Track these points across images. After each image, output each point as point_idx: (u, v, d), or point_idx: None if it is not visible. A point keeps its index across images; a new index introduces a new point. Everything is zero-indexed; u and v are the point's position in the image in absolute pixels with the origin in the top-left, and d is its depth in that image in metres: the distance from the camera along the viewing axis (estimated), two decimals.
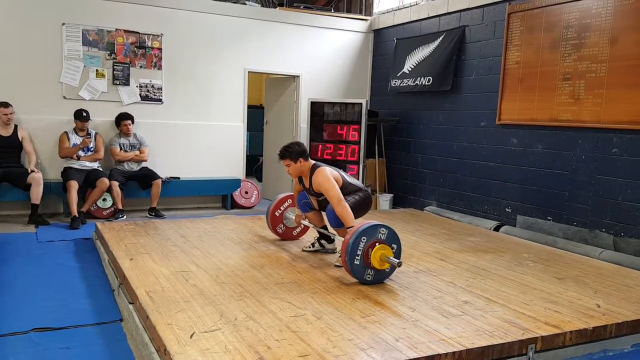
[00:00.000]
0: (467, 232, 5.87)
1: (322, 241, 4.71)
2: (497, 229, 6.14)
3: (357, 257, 3.73)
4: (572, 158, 5.60)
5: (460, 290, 3.77)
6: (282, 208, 5.00)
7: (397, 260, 3.76)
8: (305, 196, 4.64)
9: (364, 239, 3.74)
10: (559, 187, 5.72)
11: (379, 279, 3.86)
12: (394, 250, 3.84)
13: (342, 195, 4.16)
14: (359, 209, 4.35)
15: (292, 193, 5.00)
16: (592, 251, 5.11)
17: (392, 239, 3.87)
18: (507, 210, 6.30)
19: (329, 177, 4.23)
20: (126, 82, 7.07)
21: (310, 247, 4.72)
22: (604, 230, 5.30)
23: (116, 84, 7.02)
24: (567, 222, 5.63)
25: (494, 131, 6.47)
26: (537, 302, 3.56)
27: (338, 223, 4.21)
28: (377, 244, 3.76)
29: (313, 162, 4.42)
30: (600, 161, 5.34)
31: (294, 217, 4.88)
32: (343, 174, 4.45)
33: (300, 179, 4.53)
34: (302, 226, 5.05)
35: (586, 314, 3.38)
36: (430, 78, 7.18)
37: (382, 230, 3.82)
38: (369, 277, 3.80)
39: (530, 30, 5.96)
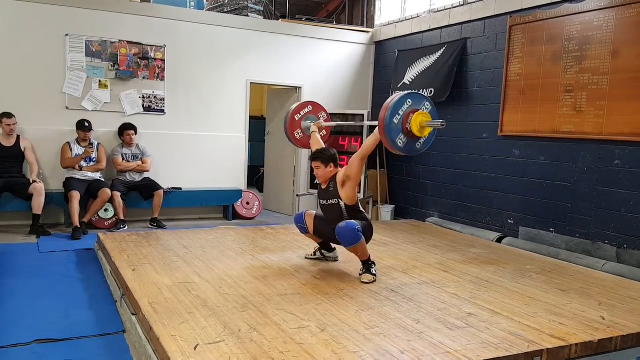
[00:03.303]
0: (470, 244, 5.85)
1: (323, 251, 4.72)
2: (499, 240, 6.12)
3: (397, 116, 3.64)
4: (575, 170, 5.60)
5: (464, 302, 3.76)
6: (302, 113, 4.96)
7: (441, 120, 3.70)
8: (301, 219, 4.57)
9: (409, 102, 3.66)
10: (562, 199, 5.72)
11: (408, 150, 3.82)
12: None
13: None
14: (367, 234, 4.23)
15: (312, 100, 5.14)
16: (595, 263, 5.10)
17: (433, 115, 3.83)
18: (510, 221, 6.30)
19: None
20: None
21: (312, 255, 4.75)
22: (607, 242, 5.29)
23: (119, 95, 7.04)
24: (570, 234, 5.62)
25: (496, 143, 6.48)
26: (541, 314, 3.55)
27: (351, 241, 4.06)
28: (419, 110, 3.72)
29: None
30: (603, 173, 5.34)
31: (312, 125, 4.89)
32: None
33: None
34: (324, 134, 5.08)
35: (591, 326, 3.36)
36: (432, 90, 7.20)
37: (427, 105, 3.80)
38: (400, 143, 3.73)
39: (532, 43, 5.99)
